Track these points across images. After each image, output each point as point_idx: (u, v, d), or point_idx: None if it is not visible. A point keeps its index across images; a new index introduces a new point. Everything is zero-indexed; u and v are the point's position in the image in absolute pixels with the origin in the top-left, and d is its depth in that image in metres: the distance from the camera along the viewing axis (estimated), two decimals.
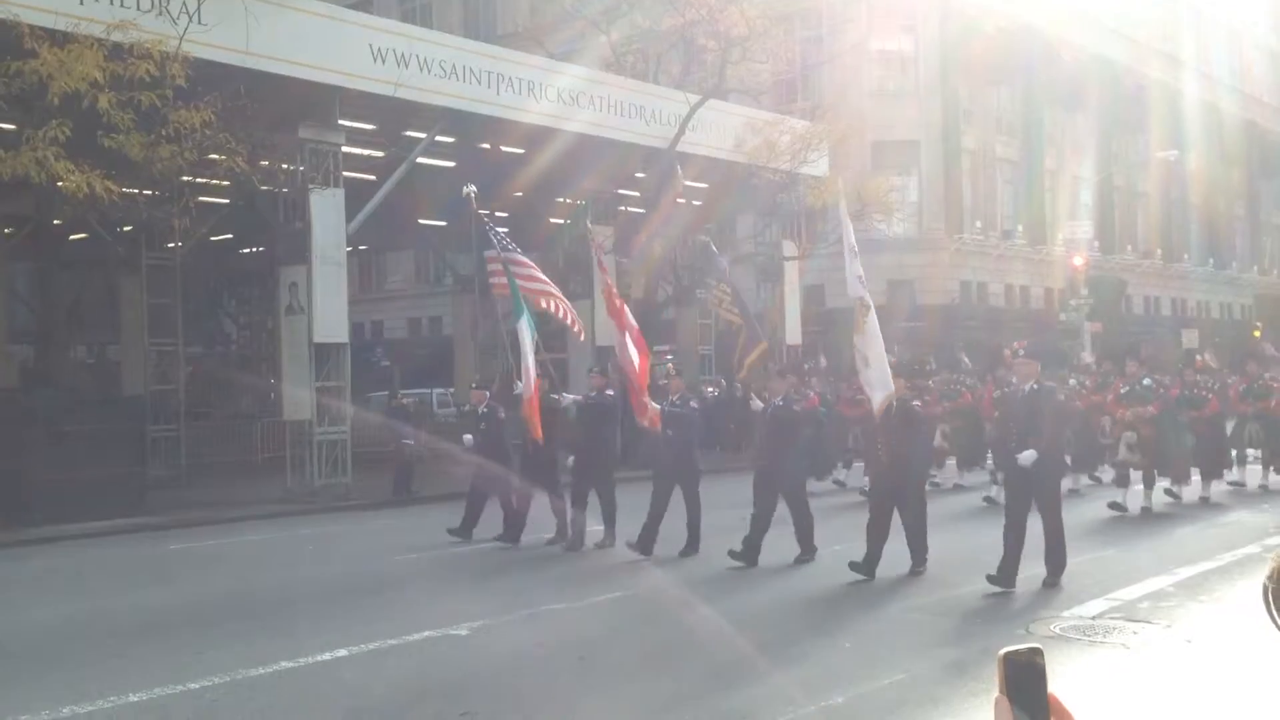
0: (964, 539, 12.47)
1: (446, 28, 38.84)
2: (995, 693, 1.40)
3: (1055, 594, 9.70)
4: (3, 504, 15.19)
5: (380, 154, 21.73)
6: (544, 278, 13.91)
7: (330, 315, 18.80)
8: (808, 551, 11.48)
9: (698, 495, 12.26)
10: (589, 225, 13.75)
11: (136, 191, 17.49)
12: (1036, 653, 1.37)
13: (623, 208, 26.32)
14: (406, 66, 19.14)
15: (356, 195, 19.92)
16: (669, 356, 31.45)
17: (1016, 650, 1.36)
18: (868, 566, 10.36)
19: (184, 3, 15.85)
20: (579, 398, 13.61)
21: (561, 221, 26.07)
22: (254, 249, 30.60)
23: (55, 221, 22.08)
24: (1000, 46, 37.28)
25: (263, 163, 18.16)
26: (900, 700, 6.70)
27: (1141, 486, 14.99)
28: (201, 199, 18.94)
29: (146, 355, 21.35)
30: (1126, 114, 44.43)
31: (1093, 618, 8.66)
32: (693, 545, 12.09)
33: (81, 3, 14.86)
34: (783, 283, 29.00)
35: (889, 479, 10.91)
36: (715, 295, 13.37)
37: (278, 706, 6.96)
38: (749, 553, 11.19)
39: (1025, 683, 1.37)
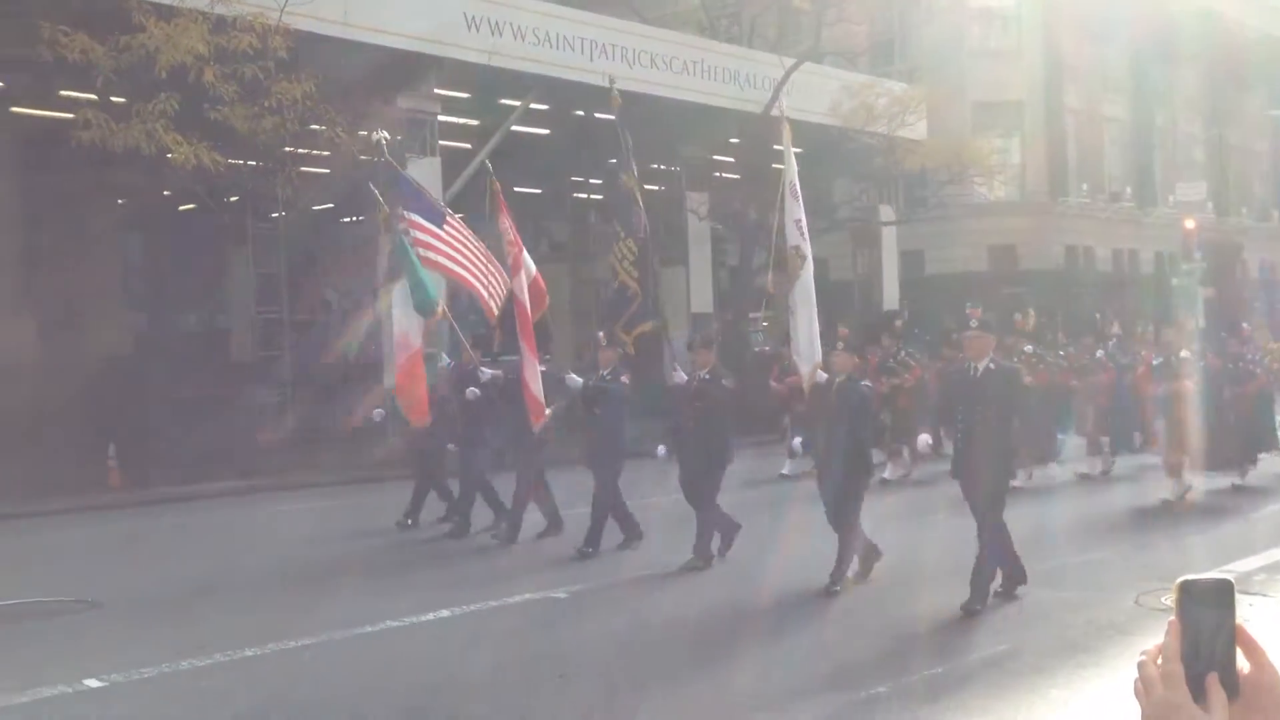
0: (1063, 510, 12.20)
1: None
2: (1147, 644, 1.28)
3: (1162, 566, 9.44)
4: (125, 466, 15.80)
5: (476, 122, 21.86)
6: (460, 248, 11.62)
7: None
8: (701, 556, 9.59)
9: (614, 484, 10.47)
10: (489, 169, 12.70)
11: (241, 162, 17.87)
12: (1224, 582, 1.24)
13: (717, 174, 26.14)
14: (501, 34, 19.20)
15: (453, 163, 20.10)
16: (763, 324, 31.38)
17: (1200, 577, 1.24)
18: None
19: None
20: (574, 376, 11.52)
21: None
22: (354, 218, 31.07)
23: (165, 192, 22.70)
24: (1107, 2, 36.07)
25: (361, 132, 18.41)
26: (1005, 670, 6.60)
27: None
28: (303, 169, 19.27)
29: (254, 322, 21.87)
30: (1238, 69, 42.69)
31: None
32: (591, 541, 10.27)
33: None
34: (879, 248, 28.61)
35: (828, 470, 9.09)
36: (616, 249, 10.75)
37: (369, 663, 7.11)
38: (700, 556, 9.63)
39: (1211, 598, 1.23)
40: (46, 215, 21.13)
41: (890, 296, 28.36)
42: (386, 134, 11.87)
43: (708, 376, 10.00)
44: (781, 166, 10.15)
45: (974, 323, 8.71)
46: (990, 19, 36.82)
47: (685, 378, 10.01)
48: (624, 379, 10.56)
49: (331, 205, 28.94)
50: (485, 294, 11.45)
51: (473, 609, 8.37)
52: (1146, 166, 39.74)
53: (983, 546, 8.04)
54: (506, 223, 11.60)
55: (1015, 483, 12.92)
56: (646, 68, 21.81)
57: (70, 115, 15.16)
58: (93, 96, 15.09)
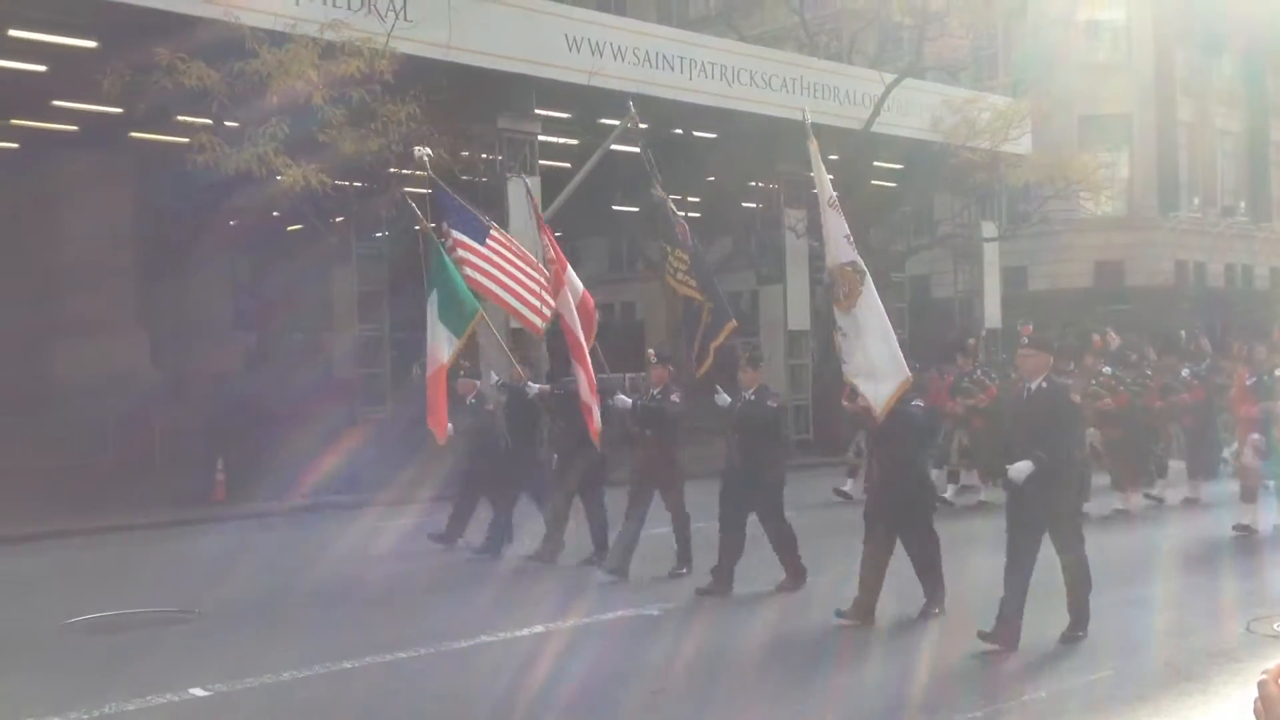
0: (1170, 534, 11.86)
1: (640, 14, 39.11)
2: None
3: (1272, 592, 9.11)
4: (232, 480, 16.31)
5: (575, 142, 22.09)
6: (502, 264, 11.16)
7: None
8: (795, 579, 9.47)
9: (681, 506, 10.21)
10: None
11: (347, 183, 18.32)
12: None
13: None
14: (600, 55, 19.40)
15: (552, 183, 20.34)
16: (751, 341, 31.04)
17: None
18: (857, 611, 8.21)
19: (391, 1, 16.50)
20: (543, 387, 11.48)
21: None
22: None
23: (274, 214, 23.39)
24: (1219, 12, 35.06)
25: (463, 153, 18.76)
26: (1106, 697, 6.43)
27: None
28: (407, 189, 19.68)
29: (357, 340, 22.36)
30: None
31: None
32: (683, 560, 10.21)
33: (298, 4, 15.62)
34: (982, 264, 28.12)
35: (885, 499, 8.49)
36: (668, 264, 10.42)
37: (463, 677, 7.20)
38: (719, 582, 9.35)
39: None
40: (161, 236, 21.92)
41: (992, 314, 27.86)
42: (429, 150, 11.50)
43: (752, 397, 9.51)
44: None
45: (1025, 340, 8.24)
46: (1097, 31, 36.07)
47: (729, 400, 9.59)
48: (674, 398, 10.13)
49: (433, 225, 29.47)
50: (526, 312, 11.01)
51: (568, 624, 8.43)
52: (1261, 179, 38.48)
53: (1064, 572, 7.61)
54: (547, 239, 11.27)
55: (1106, 509, 12.77)
56: (745, 85, 21.83)
57: (186, 140, 15.71)
58: (207, 121, 15.62)
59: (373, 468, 16.94)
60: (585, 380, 10.25)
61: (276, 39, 14.79)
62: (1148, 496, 13.78)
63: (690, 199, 29.87)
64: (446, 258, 10.89)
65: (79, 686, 7.03)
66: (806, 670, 7.24)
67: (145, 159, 20.06)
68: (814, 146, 9.33)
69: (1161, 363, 14.66)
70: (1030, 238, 29.61)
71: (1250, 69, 38.27)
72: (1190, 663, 7.01)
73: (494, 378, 12.00)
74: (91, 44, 15.94)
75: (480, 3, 17.72)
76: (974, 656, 7.29)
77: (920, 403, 8.83)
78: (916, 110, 24.18)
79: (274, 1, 15.27)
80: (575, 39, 19.26)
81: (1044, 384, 7.70)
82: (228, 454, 16.72)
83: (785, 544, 9.53)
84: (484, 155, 19.45)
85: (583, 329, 10.53)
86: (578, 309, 10.67)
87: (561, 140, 21.83)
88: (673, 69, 20.67)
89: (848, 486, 15.01)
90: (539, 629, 8.31)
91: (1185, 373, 14.26)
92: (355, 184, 18.78)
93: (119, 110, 17.22)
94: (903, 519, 8.41)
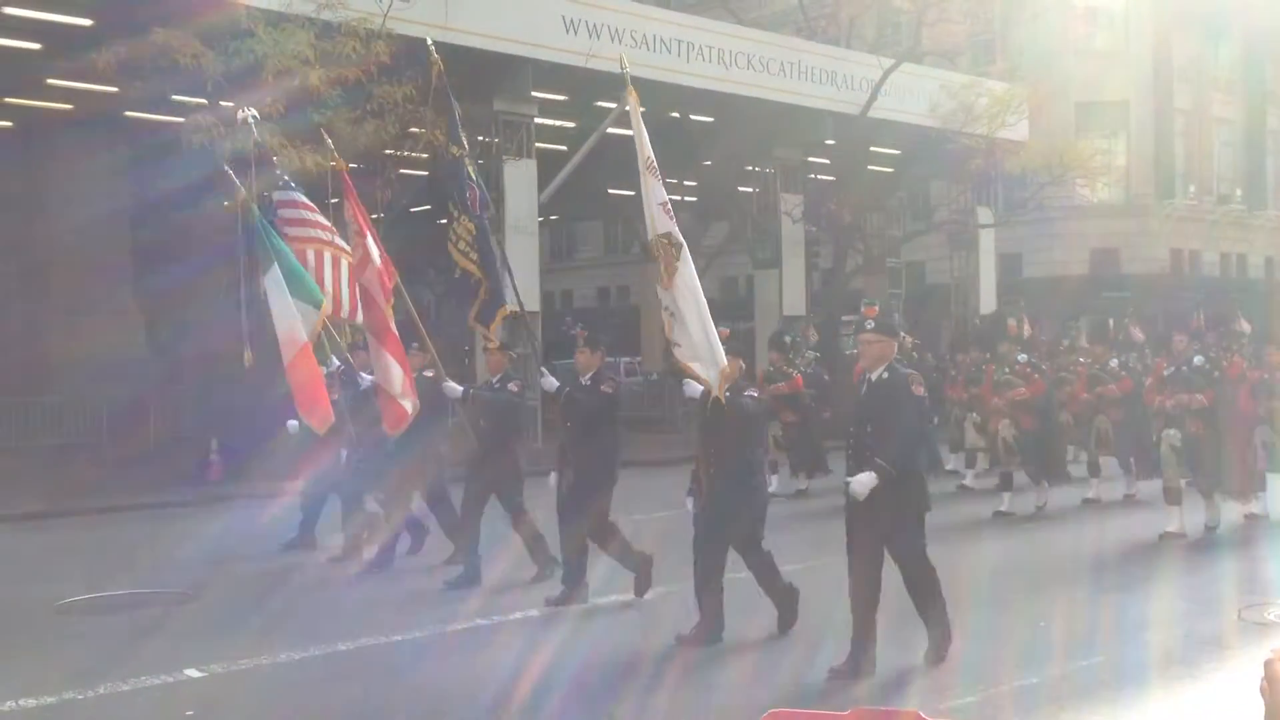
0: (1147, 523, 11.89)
1: None
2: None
3: (1265, 580, 9.15)
4: (226, 462, 16.30)
5: (571, 125, 22.04)
6: (324, 223, 10.34)
7: (522, 284, 19.19)
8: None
9: (520, 508, 9.19)
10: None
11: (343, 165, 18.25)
12: None
13: (812, 175, 25.99)
14: (598, 37, 19.35)
15: (548, 166, 20.31)
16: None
17: None
18: (700, 632, 7.23)
19: None
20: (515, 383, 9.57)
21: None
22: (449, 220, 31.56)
23: (269, 195, 23.25)
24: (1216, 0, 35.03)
25: (473, 138, 18.72)
26: (1099, 683, 6.46)
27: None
28: (402, 171, 19.63)
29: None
30: None
31: None
32: (556, 571, 8.86)
33: None
34: (977, 251, 28.18)
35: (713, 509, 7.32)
36: (453, 231, 9.30)
37: (458, 660, 7.22)
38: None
39: None
40: (155, 217, 21.83)
41: (987, 300, 27.91)
42: (255, 112, 10.15)
43: (587, 382, 8.38)
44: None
45: (869, 323, 6.83)
46: (1095, 18, 36.00)
47: (555, 384, 8.44)
48: (513, 386, 9.28)
49: (429, 207, 29.45)
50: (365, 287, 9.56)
51: (561, 610, 8.45)
52: (1258, 168, 38.49)
53: (911, 589, 6.74)
54: (355, 208, 9.80)
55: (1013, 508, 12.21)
56: (742, 69, 21.79)
57: (181, 120, 15.65)
58: (202, 101, 15.56)
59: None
60: (396, 365, 9.20)
61: (273, 19, 14.73)
62: (1086, 501, 13.14)
63: (687, 183, 29.84)
64: (266, 224, 9.79)
65: (73, 667, 7.03)
66: (801, 657, 7.25)
67: (139, 139, 19.95)
68: (633, 99, 8.21)
69: (1091, 351, 14.09)
70: (1026, 224, 29.62)
71: (1249, 57, 38.24)
72: (1182, 649, 7.04)
73: (334, 362, 10.48)
74: (87, 22, 15.86)
75: None
76: (966, 642, 7.31)
77: (754, 393, 7.68)
78: (914, 96, 24.17)
79: None
80: (573, 21, 19.21)
81: (885, 374, 6.66)
82: (222, 435, 16.70)
83: (609, 548, 8.42)
84: (480, 137, 19.38)
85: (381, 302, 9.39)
86: (380, 280, 9.49)
87: (558, 123, 21.78)
88: (670, 52, 20.63)
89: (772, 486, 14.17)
90: (533, 613, 8.32)
91: (1114, 363, 13.60)
92: (350, 166, 18.71)
93: (114, 90, 17.15)
94: (735, 529, 7.32)
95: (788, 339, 15.21)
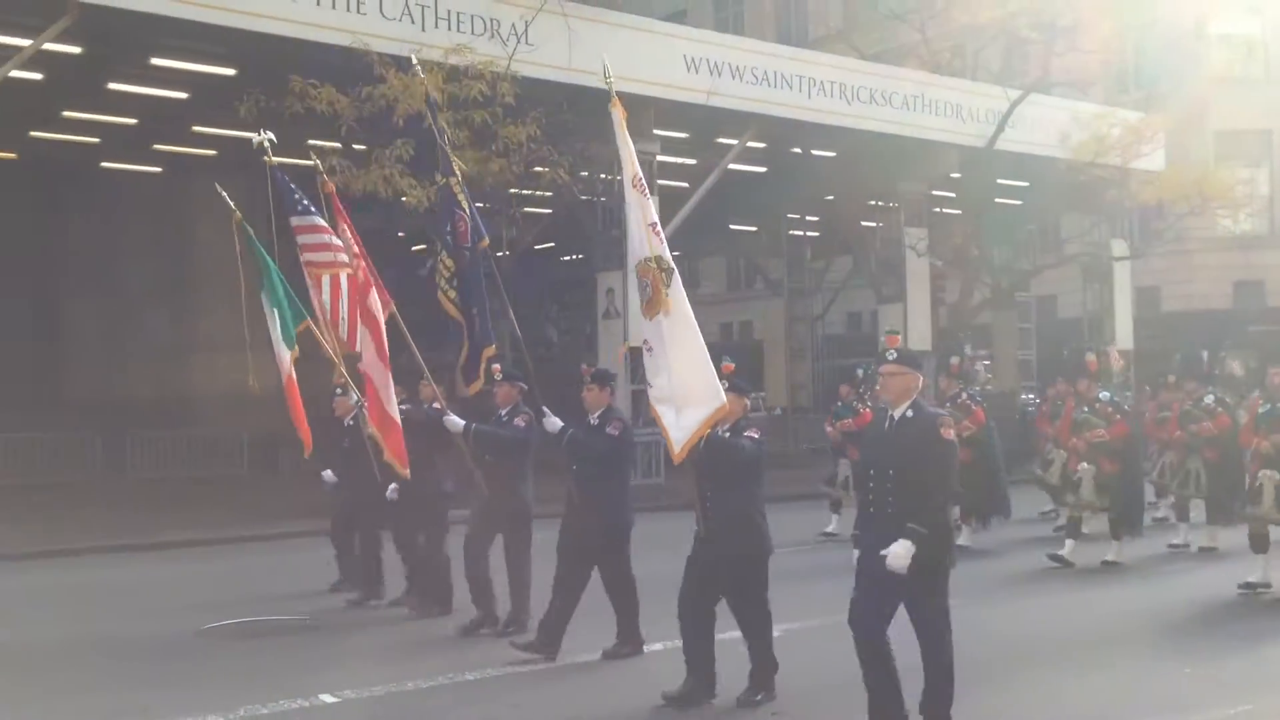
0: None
1: (759, 34, 39.13)
2: None
3: None
4: None
5: (693, 161, 22.18)
6: (338, 244, 9.39)
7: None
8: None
9: (525, 552, 8.65)
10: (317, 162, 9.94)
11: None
12: None
13: (937, 209, 25.63)
14: (719, 75, 19.48)
15: (670, 202, 20.44)
16: (985, 360, 30.42)
17: None
18: (684, 695, 6.72)
19: (513, 25, 16.82)
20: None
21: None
22: (574, 256, 32.00)
23: (399, 234, 23.95)
24: None
25: (583, 173, 19.00)
26: None
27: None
28: (526, 209, 19.99)
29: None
30: None
31: None
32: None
33: (424, 30, 16.05)
34: (1112, 284, 27.38)
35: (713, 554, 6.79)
36: (440, 270, 8.61)
37: (585, 690, 7.21)
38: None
39: None
40: (292, 254, 22.63)
41: (1124, 334, 27.07)
42: (272, 135, 9.69)
43: (595, 422, 7.85)
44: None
45: (891, 353, 6.05)
46: (1233, 45, 34.82)
47: (558, 424, 7.77)
48: (520, 421, 8.60)
49: (552, 244, 29.92)
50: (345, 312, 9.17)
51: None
52: None
53: (928, 667, 5.83)
54: (350, 233, 9.28)
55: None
56: (865, 103, 21.66)
57: (316, 163, 16.22)
58: (336, 145, 16.11)
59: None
60: (381, 387, 8.74)
61: (403, 64, 15.19)
62: (1171, 547, 12.52)
63: (809, 218, 29.70)
64: (268, 256, 9.58)
65: (215, 691, 7.27)
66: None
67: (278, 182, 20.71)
68: (619, 114, 7.60)
69: (1182, 387, 13.07)
70: (1163, 256, 28.67)
71: None
72: None
73: (353, 397, 9.80)
74: (230, 72, 16.60)
75: (599, 26, 17.97)
76: (1097, 684, 7.04)
77: (754, 434, 6.86)
78: (1043, 126, 23.66)
79: (401, 28, 15.72)
80: (694, 59, 19.38)
81: (909, 412, 5.88)
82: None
83: (624, 601, 7.94)
84: (602, 176, 19.67)
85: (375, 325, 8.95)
86: (382, 305, 9.12)
87: (679, 160, 21.95)
88: (791, 87, 20.62)
89: (831, 526, 13.88)
90: (658, 647, 8.28)
91: (1209, 399, 12.50)
92: (476, 205, 19.13)
93: (254, 135, 17.86)
94: (735, 582, 6.78)
95: (860, 372, 14.11)
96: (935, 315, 25.34)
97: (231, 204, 9.59)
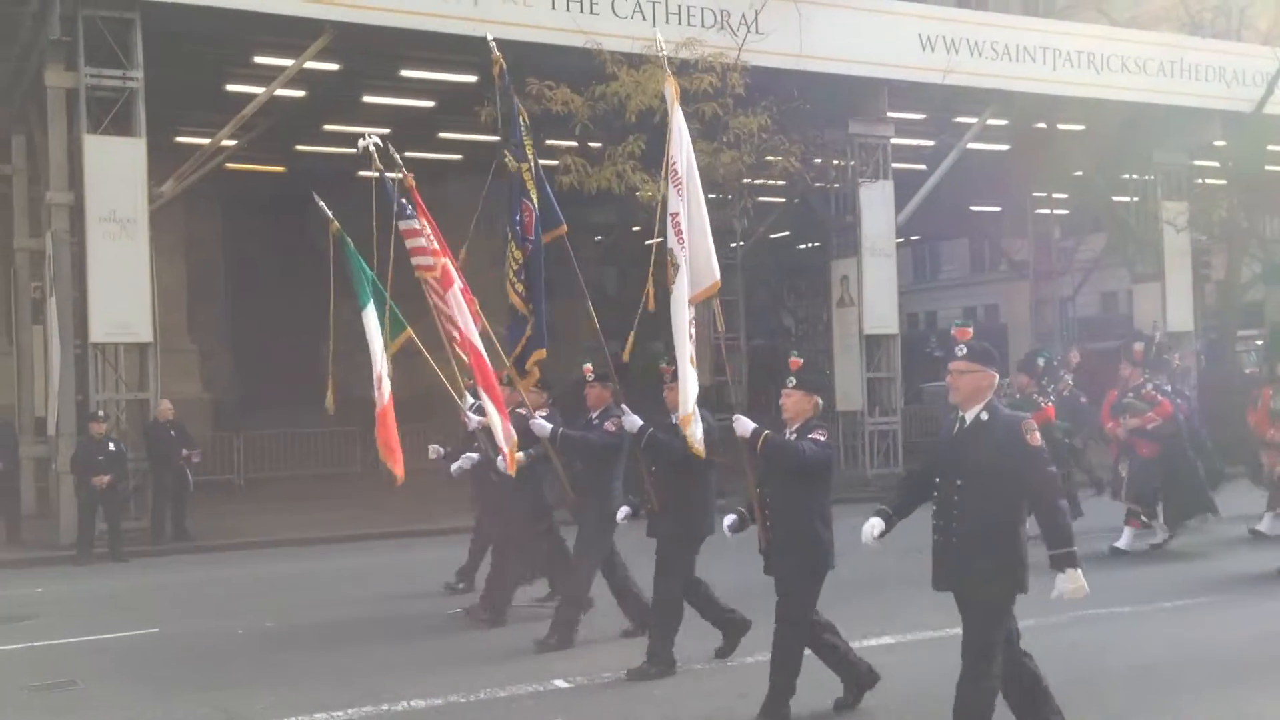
0: None
1: (1002, 7, 37.69)
2: None
3: None
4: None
5: (930, 143, 21.60)
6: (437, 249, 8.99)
7: (880, 306, 19.09)
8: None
9: (596, 559, 8.33)
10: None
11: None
12: None
13: (1199, 180, 23.99)
14: (956, 52, 18.87)
15: (907, 186, 19.99)
16: (1257, 342, 28.25)
17: None
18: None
19: (743, 15, 16.81)
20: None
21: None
22: (809, 244, 31.74)
23: (634, 228, 24.38)
24: None
25: (815, 160, 18.80)
26: None
27: None
28: (759, 199, 19.95)
29: (712, 348, 22.87)
30: None
31: None
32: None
33: (654, 25, 16.25)
34: None
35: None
36: (508, 259, 8.20)
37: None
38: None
39: None
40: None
41: None
42: (377, 139, 9.22)
43: (675, 420, 7.17)
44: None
45: (961, 349, 5.29)
46: None
47: (638, 422, 7.44)
48: (610, 425, 8.00)
49: (787, 233, 29.76)
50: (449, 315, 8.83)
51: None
52: None
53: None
54: (431, 228, 8.94)
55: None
56: (1115, 71, 20.53)
57: (554, 162, 16.73)
58: (572, 143, 16.54)
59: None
60: (494, 405, 8.16)
61: (634, 61, 15.44)
62: (1253, 533, 12.11)
63: (1056, 195, 28.39)
64: (364, 264, 9.33)
65: (460, 672, 7.65)
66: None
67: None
68: (672, 89, 7.24)
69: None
70: None
71: None
72: None
73: (470, 400, 9.48)
74: (473, 79, 17.29)
75: (830, 9, 17.73)
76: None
77: (821, 435, 6.24)
78: None
79: (632, 25, 15.98)
80: (929, 37, 18.85)
81: (984, 415, 5.21)
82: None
83: (664, 615, 7.47)
84: (835, 161, 19.44)
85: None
86: (468, 305, 8.67)
87: (915, 142, 21.42)
88: (1034, 60, 19.77)
89: (1263, 524, 12.51)
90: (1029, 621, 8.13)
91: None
92: (709, 196, 19.26)
93: (495, 139, 18.58)
94: (780, 594, 6.32)
95: (1040, 360, 13.64)
96: (1199, 294, 23.78)
97: (329, 213, 9.41)
